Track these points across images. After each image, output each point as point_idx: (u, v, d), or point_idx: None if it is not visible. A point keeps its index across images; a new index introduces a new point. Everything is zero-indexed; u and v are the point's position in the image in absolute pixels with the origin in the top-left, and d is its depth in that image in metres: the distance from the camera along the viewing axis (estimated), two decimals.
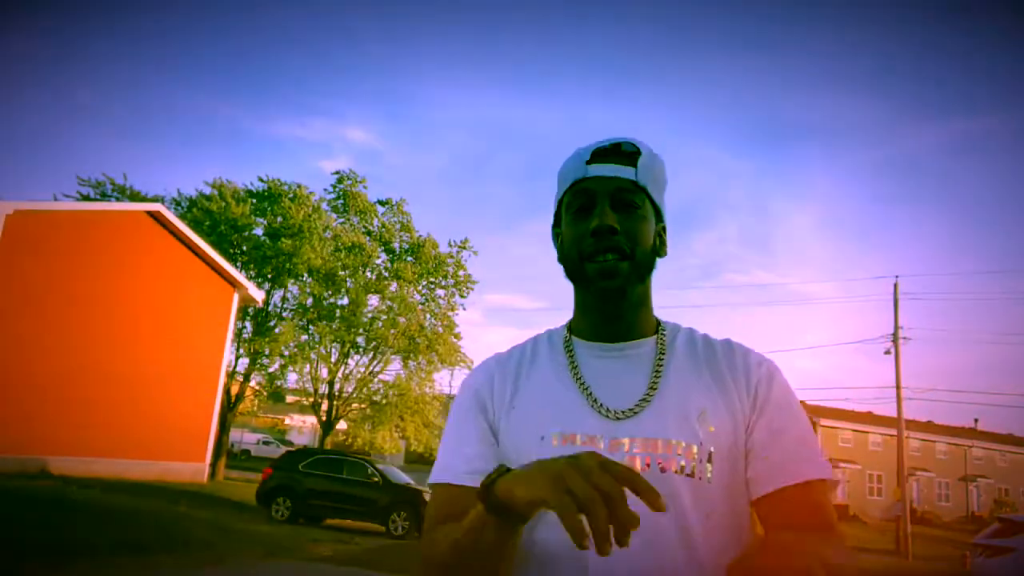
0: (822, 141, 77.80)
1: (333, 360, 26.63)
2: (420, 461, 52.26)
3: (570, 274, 1.11)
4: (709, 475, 1.00)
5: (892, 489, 39.02)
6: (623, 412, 1.03)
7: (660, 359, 1.08)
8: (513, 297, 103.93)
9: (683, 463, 0.99)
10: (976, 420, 53.92)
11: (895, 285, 28.59)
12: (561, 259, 1.13)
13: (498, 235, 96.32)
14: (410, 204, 27.84)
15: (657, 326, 1.14)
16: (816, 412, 43.28)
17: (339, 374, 26.85)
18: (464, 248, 27.65)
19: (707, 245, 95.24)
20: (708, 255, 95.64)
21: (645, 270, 1.09)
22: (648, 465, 0.99)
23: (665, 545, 0.96)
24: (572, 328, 1.16)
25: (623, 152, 1.08)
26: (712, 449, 1.00)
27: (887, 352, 28.06)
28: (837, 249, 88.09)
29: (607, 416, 1.03)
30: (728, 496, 1.00)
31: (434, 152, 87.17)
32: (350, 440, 28.51)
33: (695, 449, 1.00)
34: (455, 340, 27.45)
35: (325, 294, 26.23)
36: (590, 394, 1.05)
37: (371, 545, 13.67)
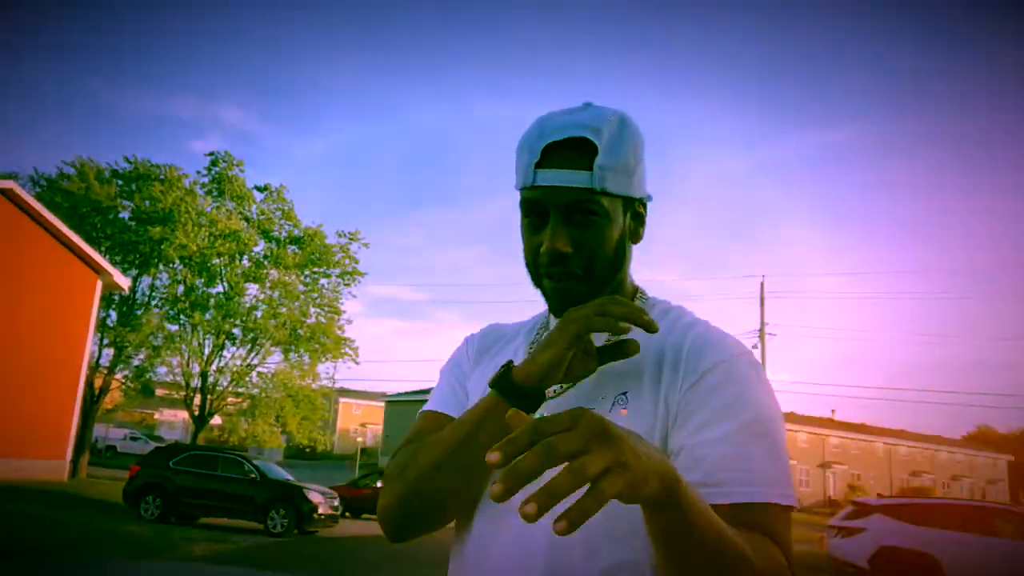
0: (698, 145, 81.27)
1: (207, 352, 25.48)
2: (302, 456, 51.13)
3: (531, 280, 1.06)
4: None
5: None
6: (554, 392, 1.02)
7: (610, 341, 1.01)
8: (397, 288, 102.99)
9: None
10: (833, 411, 58.23)
11: (761, 284, 30.48)
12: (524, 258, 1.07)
13: (382, 224, 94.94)
14: (290, 190, 26.94)
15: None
16: None
17: (213, 366, 25.73)
18: (354, 240, 27.01)
19: None
20: None
21: (604, 283, 1.02)
22: None
23: (530, 528, 0.89)
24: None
25: (577, 147, 0.96)
26: None
27: (753, 347, 29.82)
28: (710, 248, 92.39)
29: None
30: None
31: (316, 137, 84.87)
32: (225, 435, 27.45)
33: None
34: (340, 331, 26.83)
35: (198, 282, 25.04)
36: None
37: (248, 543, 13.22)
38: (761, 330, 29.91)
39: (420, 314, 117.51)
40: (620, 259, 1.03)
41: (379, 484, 22.60)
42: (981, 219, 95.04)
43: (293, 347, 26.01)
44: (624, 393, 0.97)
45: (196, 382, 25.43)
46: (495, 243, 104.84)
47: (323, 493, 15.88)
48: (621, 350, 0.93)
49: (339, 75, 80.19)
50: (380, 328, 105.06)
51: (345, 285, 27.21)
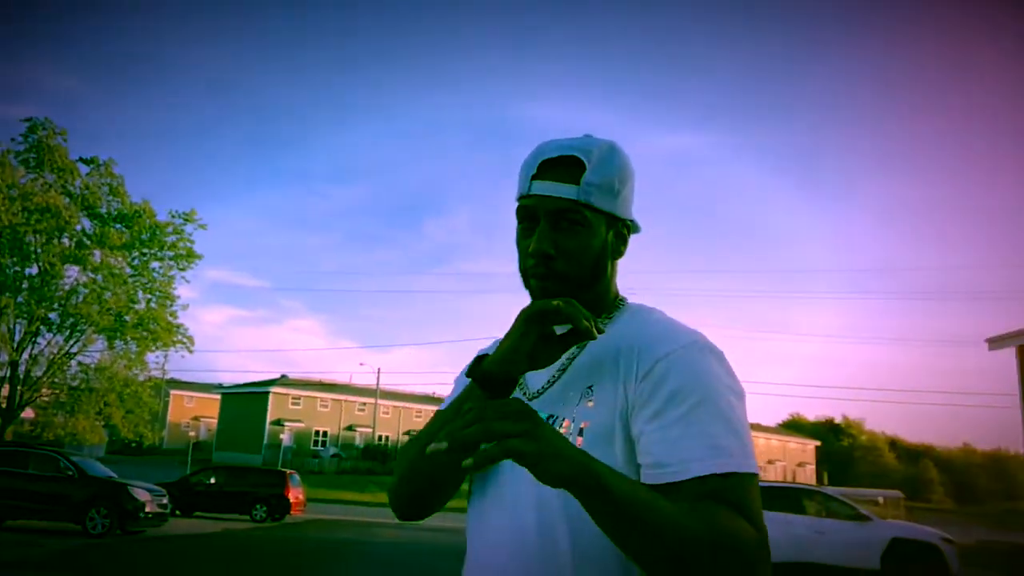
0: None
1: (17, 338, 23.17)
2: (127, 451, 47.73)
3: (522, 281, 1.18)
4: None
5: None
6: (536, 392, 1.15)
7: (587, 342, 1.11)
8: (234, 274, 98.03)
9: None
10: None
11: None
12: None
13: (222, 205, 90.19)
14: (120, 164, 24.92)
15: (610, 309, 1.19)
16: None
17: (25, 354, 23.44)
18: (189, 220, 25.36)
19: (442, 232, 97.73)
20: (442, 241, 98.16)
21: (583, 288, 1.13)
22: None
23: (522, 507, 1.06)
24: None
25: (569, 164, 1.11)
26: (585, 424, 1.05)
27: None
28: None
29: (524, 395, 1.16)
30: None
31: (153, 108, 79.05)
32: (38, 430, 25.16)
33: (569, 423, 1.06)
34: (173, 318, 25.20)
35: (9, 261, 22.72)
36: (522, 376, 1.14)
37: (63, 546, 12.25)
38: None
39: (261, 301, 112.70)
40: (600, 269, 1.15)
41: (212, 480, 21.65)
42: (807, 224, 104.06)
43: (119, 334, 24.16)
44: (590, 387, 1.08)
45: (5, 372, 23.07)
46: (345, 230, 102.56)
47: (150, 490, 14.98)
48: (579, 335, 1.00)
49: (180, 43, 75.19)
50: (217, 315, 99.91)
51: (179, 269, 25.60)
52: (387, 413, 60.53)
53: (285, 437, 51.57)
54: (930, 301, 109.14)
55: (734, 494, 0.93)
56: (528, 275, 1.14)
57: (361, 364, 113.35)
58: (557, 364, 1.13)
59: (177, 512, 19.30)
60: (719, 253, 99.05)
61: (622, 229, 1.18)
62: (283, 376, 56.74)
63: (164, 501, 15.38)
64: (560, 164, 1.11)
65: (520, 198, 1.15)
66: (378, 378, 55.43)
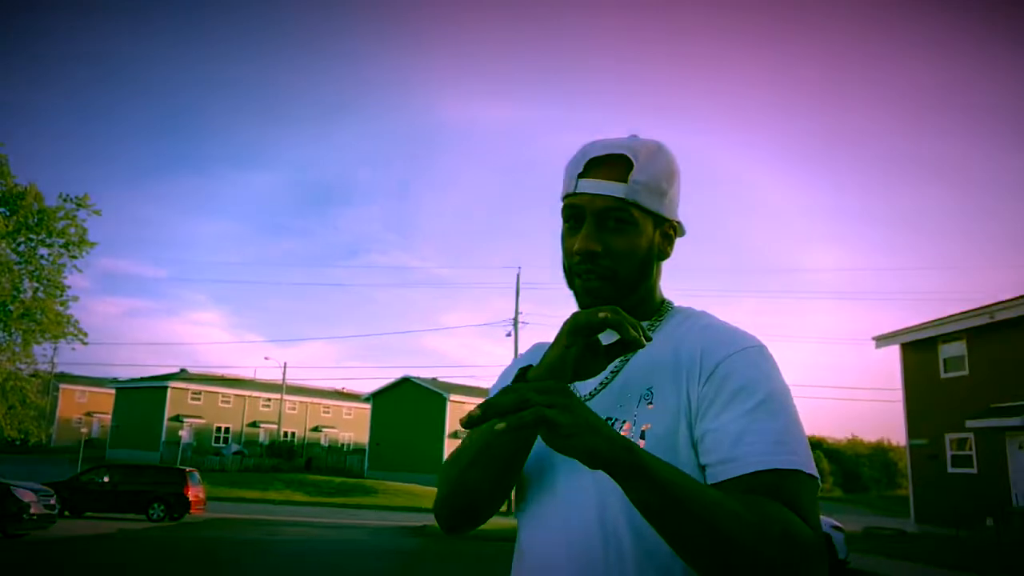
0: (462, 139, 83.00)
1: None
2: (10, 450, 44.91)
3: (566, 281, 1.17)
4: None
5: None
6: (587, 395, 1.13)
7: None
8: (132, 263, 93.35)
9: None
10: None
11: (517, 276, 32.16)
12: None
13: (117, 191, 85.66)
14: (7, 146, 23.32)
15: (657, 312, 1.18)
16: (446, 388, 46.46)
17: None
18: (81, 205, 23.92)
19: (352, 223, 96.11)
20: (353, 233, 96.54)
21: (630, 288, 1.12)
22: None
23: (582, 507, 1.04)
24: None
25: (616, 163, 1.10)
26: (646, 426, 1.04)
27: (508, 334, 31.58)
28: (472, 238, 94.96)
29: None
30: None
31: (45, 89, 74.35)
32: None
33: (630, 426, 1.05)
34: (63, 308, 23.80)
35: None
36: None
37: None
38: (515, 319, 31.59)
39: (160, 293, 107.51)
40: (647, 269, 1.14)
41: (106, 479, 20.65)
42: (707, 226, 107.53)
43: (2, 326, 22.66)
44: (650, 389, 1.07)
45: None
46: (251, 220, 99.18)
47: (35, 490, 14.22)
48: (626, 346, 0.98)
49: (73, 21, 70.95)
50: (112, 307, 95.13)
51: (70, 257, 24.17)
52: (293, 409, 59.11)
53: (184, 434, 49.73)
54: (825, 300, 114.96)
55: (795, 491, 0.93)
56: (572, 274, 1.13)
57: (266, 358, 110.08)
58: (609, 366, 1.09)
59: (66, 513, 18.42)
60: None
61: (668, 230, 1.17)
62: (183, 370, 54.67)
63: (51, 502, 14.58)
64: (607, 162, 1.11)
65: (566, 197, 1.13)
66: (284, 373, 54.15)
